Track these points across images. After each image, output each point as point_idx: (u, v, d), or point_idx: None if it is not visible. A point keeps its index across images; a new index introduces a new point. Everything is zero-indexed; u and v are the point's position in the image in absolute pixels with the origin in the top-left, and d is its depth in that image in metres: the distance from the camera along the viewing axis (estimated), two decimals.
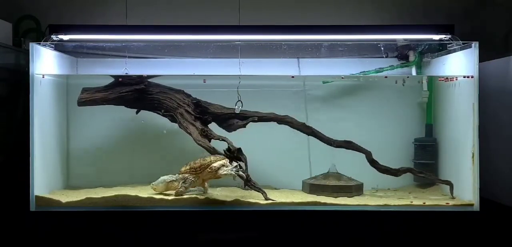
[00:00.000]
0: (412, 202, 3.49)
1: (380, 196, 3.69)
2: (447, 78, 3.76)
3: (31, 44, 3.42)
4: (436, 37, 3.61)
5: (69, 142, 4.03)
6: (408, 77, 3.93)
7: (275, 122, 3.74)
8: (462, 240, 3.34)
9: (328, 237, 3.38)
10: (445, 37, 3.57)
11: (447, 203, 3.43)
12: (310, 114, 3.99)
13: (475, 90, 3.35)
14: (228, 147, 3.56)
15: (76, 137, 4.03)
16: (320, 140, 3.73)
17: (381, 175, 3.67)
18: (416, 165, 3.93)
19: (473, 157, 3.37)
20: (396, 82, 3.91)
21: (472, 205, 3.37)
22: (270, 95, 3.95)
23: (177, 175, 3.61)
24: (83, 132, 4.03)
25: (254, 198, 3.47)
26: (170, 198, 3.47)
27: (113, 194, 3.46)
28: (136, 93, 3.68)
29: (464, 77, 3.50)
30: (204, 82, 3.70)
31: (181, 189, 3.53)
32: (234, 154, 3.54)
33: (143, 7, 4.23)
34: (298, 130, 3.74)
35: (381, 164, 3.65)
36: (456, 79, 3.61)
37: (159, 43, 3.86)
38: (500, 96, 3.57)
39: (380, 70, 3.95)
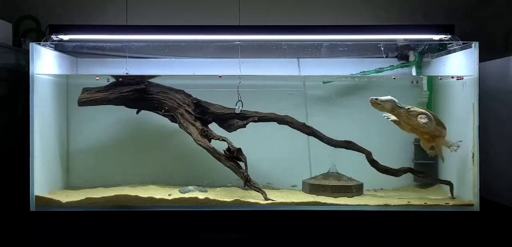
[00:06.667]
0: (409, 202, 3.49)
1: (381, 196, 3.69)
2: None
3: (31, 44, 3.41)
4: (436, 37, 3.61)
5: (69, 141, 4.02)
6: (394, 78, 3.93)
7: (276, 123, 3.74)
8: (462, 240, 3.34)
9: (328, 237, 3.37)
10: (445, 37, 3.57)
11: (446, 203, 3.43)
12: (310, 114, 3.98)
13: (475, 90, 3.35)
14: (228, 147, 3.56)
15: (76, 137, 4.02)
16: (320, 140, 3.73)
17: (381, 175, 3.66)
18: (416, 165, 3.93)
19: (473, 157, 3.37)
20: (416, 82, 3.97)
21: (472, 205, 3.37)
22: (270, 95, 3.95)
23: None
24: (83, 131, 4.02)
25: (254, 198, 3.47)
26: (170, 198, 3.47)
27: (113, 194, 3.46)
28: (137, 94, 3.69)
29: (452, 77, 3.53)
30: (220, 77, 3.72)
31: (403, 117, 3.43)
32: (234, 154, 3.55)
33: (143, 7, 4.23)
34: (298, 129, 3.74)
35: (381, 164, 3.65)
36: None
37: (159, 43, 3.85)
38: (500, 96, 3.56)
39: (380, 70, 3.95)
